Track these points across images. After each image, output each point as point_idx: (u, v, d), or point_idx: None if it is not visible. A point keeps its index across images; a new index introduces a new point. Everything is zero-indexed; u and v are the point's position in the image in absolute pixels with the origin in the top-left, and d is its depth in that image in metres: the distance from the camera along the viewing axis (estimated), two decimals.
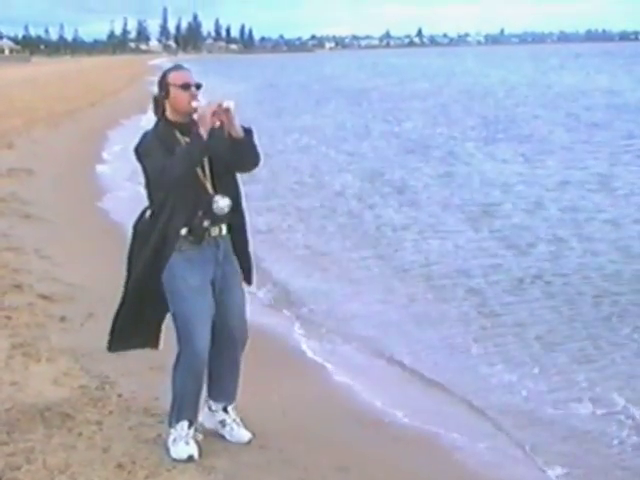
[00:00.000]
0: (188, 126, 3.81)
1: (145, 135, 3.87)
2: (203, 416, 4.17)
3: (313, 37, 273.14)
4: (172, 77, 3.85)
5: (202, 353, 3.85)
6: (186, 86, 3.82)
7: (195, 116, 3.80)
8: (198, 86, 3.86)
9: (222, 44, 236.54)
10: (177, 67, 3.96)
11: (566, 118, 24.78)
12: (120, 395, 4.65)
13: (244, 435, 4.20)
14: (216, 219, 3.87)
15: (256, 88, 45.81)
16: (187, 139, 3.80)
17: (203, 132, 3.70)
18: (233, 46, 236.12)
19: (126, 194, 12.73)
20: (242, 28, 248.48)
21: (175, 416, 3.98)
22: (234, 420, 4.20)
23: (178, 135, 3.83)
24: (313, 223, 11.12)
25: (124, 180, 13.89)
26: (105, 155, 17.25)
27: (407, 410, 5.20)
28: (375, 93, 39.17)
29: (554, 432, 5.04)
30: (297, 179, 14.93)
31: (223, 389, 4.13)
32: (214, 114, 3.72)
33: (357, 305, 7.55)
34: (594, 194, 12.81)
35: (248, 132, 3.86)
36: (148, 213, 3.90)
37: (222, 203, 3.84)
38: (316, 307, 7.44)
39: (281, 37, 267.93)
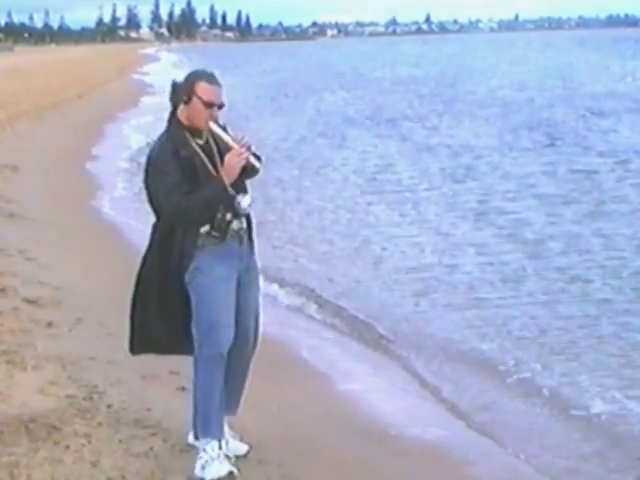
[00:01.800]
0: (199, 130, 3.88)
1: (159, 146, 3.89)
2: (194, 434, 4.13)
3: (314, 24, 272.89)
4: (201, 89, 3.85)
5: (224, 346, 3.87)
6: (210, 105, 3.85)
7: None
8: (221, 106, 3.89)
9: (217, 32, 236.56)
10: (209, 78, 3.91)
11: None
12: (110, 406, 4.66)
13: (241, 447, 4.20)
14: (238, 214, 3.95)
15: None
16: (199, 140, 3.87)
17: (227, 182, 3.81)
18: (229, 34, 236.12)
19: (117, 192, 12.78)
20: (239, 15, 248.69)
21: (202, 430, 3.96)
22: (227, 432, 4.19)
23: (189, 138, 3.87)
24: (311, 223, 11.17)
25: (115, 177, 13.93)
26: (95, 150, 17.26)
27: (415, 422, 5.20)
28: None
29: (568, 442, 5.06)
30: (294, 173, 15.01)
31: (226, 395, 4.08)
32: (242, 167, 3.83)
33: (358, 310, 7.56)
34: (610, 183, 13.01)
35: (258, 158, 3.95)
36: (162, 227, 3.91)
37: (244, 203, 3.90)
38: (317, 312, 7.46)
39: (280, 24, 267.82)
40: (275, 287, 7.96)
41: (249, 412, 4.45)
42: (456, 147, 17.83)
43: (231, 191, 3.85)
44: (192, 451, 4.09)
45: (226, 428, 4.18)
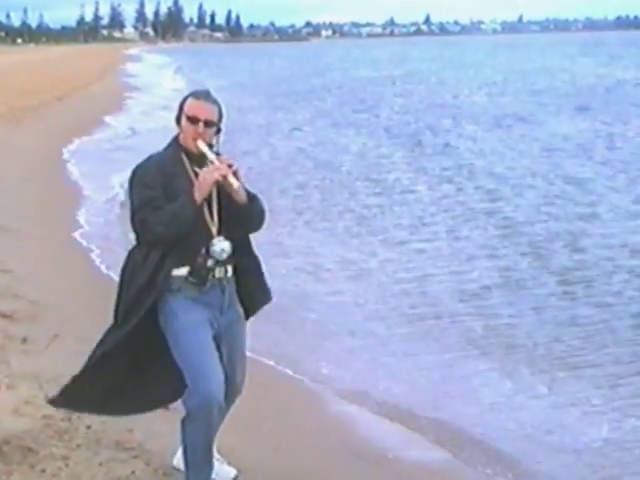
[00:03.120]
0: (197, 156, 3.82)
1: (148, 160, 3.88)
2: (178, 459, 4.12)
3: (308, 24, 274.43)
4: (187, 104, 3.84)
5: (218, 393, 3.74)
6: (193, 120, 3.80)
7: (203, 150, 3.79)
8: (208, 123, 3.81)
9: (206, 32, 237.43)
10: (198, 94, 3.89)
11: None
12: (89, 427, 4.64)
13: (229, 472, 4.18)
14: (220, 261, 3.85)
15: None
16: (196, 168, 3.81)
17: (198, 197, 3.73)
18: (218, 34, 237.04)
19: (100, 201, 12.76)
20: (228, 14, 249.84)
21: (194, 477, 3.93)
22: (214, 457, 4.18)
23: (186, 162, 3.84)
24: (307, 229, 11.22)
25: (97, 185, 13.91)
26: (77, 156, 17.22)
27: (413, 444, 5.20)
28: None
29: (579, 464, 5.05)
30: (289, 183, 15.07)
31: None
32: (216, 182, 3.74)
33: (352, 325, 7.55)
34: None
35: (252, 199, 3.88)
36: (137, 253, 3.84)
37: (219, 247, 3.82)
38: (309, 327, 7.46)
39: (272, 24, 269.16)
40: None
41: (237, 433, 4.44)
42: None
43: (214, 233, 3.80)
44: (176, 474, 4.08)
45: (213, 452, 4.16)
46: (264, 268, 4.08)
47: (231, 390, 3.97)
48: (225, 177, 3.72)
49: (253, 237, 4.04)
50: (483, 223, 11.37)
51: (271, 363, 6.39)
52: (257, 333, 7.08)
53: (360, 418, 5.54)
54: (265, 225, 3.99)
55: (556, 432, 5.48)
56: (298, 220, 11.85)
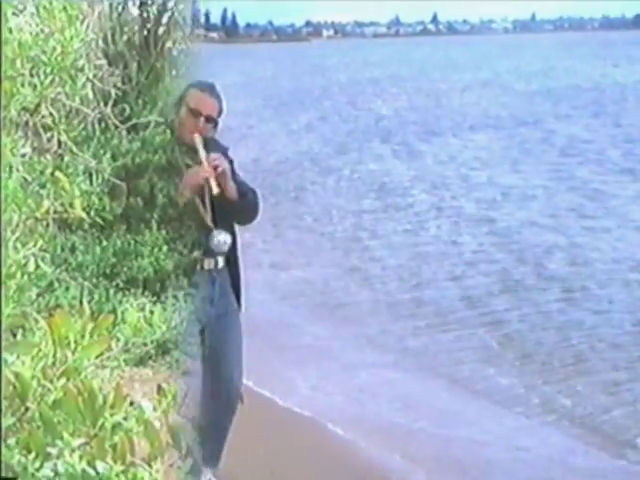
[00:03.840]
0: (190, 148, 3.88)
1: None
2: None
3: (308, 24, 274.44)
4: (190, 95, 3.90)
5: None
6: (195, 113, 3.85)
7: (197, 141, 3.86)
8: (209, 119, 3.87)
9: (200, 32, 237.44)
10: (203, 86, 3.94)
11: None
12: None
13: None
14: (211, 252, 3.90)
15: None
16: (187, 160, 3.87)
17: (187, 194, 3.81)
18: (213, 34, 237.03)
19: None
20: (224, 13, 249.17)
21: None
22: (210, 479, 4.22)
23: (177, 151, 3.93)
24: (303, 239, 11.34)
25: None
26: None
27: (417, 469, 5.21)
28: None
29: None
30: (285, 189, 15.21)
31: (209, 449, 4.06)
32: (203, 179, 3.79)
33: (352, 340, 7.60)
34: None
35: (242, 195, 3.91)
36: None
37: (221, 238, 3.87)
38: (307, 342, 7.50)
39: (270, 24, 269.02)
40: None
41: (233, 456, 4.47)
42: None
43: (209, 224, 3.85)
44: None
45: (209, 474, 4.19)
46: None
47: (230, 389, 3.99)
48: (208, 181, 3.77)
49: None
50: (481, 231, 11.47)
51: (267, 384, 6.43)
52: (251, 350, 7.19)
53: (361, 441, 5.55)
54: (263, 226, 4.07)
55: (579, 453, 5.51)
56: (298, 225, 11.98)
